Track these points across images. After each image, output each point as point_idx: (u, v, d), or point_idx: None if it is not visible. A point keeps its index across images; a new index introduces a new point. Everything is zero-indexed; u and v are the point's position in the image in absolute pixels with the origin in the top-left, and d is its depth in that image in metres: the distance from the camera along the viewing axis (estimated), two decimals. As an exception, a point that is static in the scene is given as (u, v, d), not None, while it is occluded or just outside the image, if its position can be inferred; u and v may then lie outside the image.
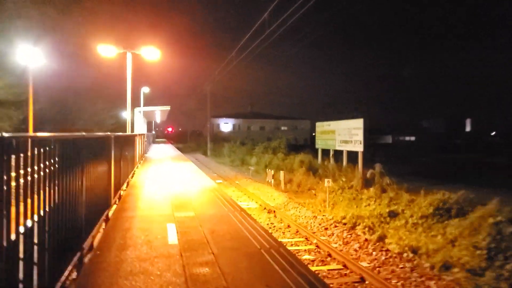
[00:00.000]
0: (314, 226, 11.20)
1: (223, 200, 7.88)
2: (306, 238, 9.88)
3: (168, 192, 9.01)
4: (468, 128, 77.99)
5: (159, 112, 29.51)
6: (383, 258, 8.24)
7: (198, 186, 10.30)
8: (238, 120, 74.92)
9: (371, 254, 8.56)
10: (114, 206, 7.14)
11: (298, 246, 9.33)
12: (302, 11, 14.25)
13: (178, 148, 38.31)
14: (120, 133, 9.41)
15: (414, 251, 8.50)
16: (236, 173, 25.37)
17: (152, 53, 12.76)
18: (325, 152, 22.19)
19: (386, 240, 9.31)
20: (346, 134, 19.56)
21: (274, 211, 12.95)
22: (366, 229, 10.14)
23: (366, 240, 9.46)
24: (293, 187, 19.02)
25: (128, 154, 10.38)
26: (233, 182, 20.81)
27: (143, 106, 23.31)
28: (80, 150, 3.99)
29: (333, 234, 10.29)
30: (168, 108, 25.41)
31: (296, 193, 18.03)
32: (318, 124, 23.18)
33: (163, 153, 27.60)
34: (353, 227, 10.66)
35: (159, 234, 5.07)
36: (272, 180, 19.50)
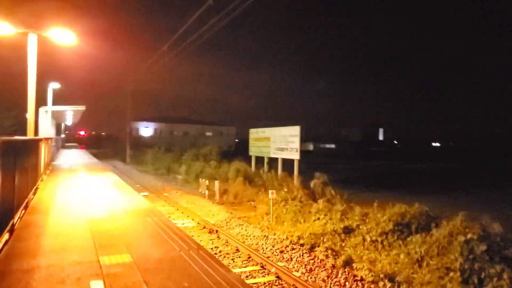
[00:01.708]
0: (267, 248, 9.57)
1: (165, 230, 5.88)
2: (262, 266, 8.21)
3: (87, 217, 6.70)
4: (381, 137, 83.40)
5: (71, 113, 25.74)
6: (361, 291, 6.89)
7: (127, 205, 8.07)
8: (160, 124, 70.95)
9: (344, 285, 7.17)
10: (2, 242, 4.81)
11: (255, 278, 7.62)
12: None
13: (93, 154, 34.26)
14: (16, 137, 6.89)
15: (391, 279, 7.31)
16: (163, 183, 22.86)
17: (64, 36, 10.10)
18: (258, 160, 21.08)
19: (355, 265, 8.03)
20: (282, 141, 18.59)
21: (217, 231, 11.07)
22: (329, 251, 8.78)
23: (333, 266, 8.07)
24: (230, 199, 17.32)
25: (28, 164, 7.78)
26: (161, 194, 18.41)
27: (52, 105, 19.80)
28: None
29: (291, 258, 8.75)
30: (82, 108, 22.05)
31: (233, 204, 16.37)
32: (252, 130, 21.96)
33: (76, 160, 24.01)
34: (312, 248, 9.26)
35: (77, 309, 3.00)
36: (207, 191, 17.57)
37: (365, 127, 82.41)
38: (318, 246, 9.22)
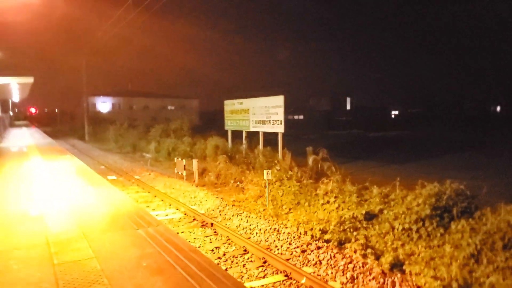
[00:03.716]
0: (283, 247, 7.64)
1: (175, 253, 3.74)
2: (287, 275, 6.30)
3: (45, 232, 4.42)
4: (348, 106, 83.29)
5: (16, 86, 22.14)
6: (437, 311, 5.15)
7: (102, 206, 5.81)
8: (118, 98, 66.48)
9: (410, 302, 5.42)
10: None
11: (284, 295, 5.70)
12: None
13: (47, 133, 30.70)
14: None
15: (467, 288, 5.63)
16: (131, 164, 20.26)
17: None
18: (234, 134, 19.06)
19: (408, 268, 6.29)
20: (263, 113, 16.54)
21: (212, 224, 9.00)
22: (369, 250, 6.98)
23: (383, 272, 6.28)
24: (211, 179, 15.24)
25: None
26: (132, 177, 15.94)
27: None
28: None
29: (320, 261, 6.88)
30: (30, 80, 18.70)
31: (215, 186, 14.34)
32: (227, 102, 19.64)
33: (28, 140, 20.81)
34: (341, 245, 7.45)
35: None
36: (184, 172, 15.34)
37: (333, 96, 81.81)
38: (349, 241, 7.42)
